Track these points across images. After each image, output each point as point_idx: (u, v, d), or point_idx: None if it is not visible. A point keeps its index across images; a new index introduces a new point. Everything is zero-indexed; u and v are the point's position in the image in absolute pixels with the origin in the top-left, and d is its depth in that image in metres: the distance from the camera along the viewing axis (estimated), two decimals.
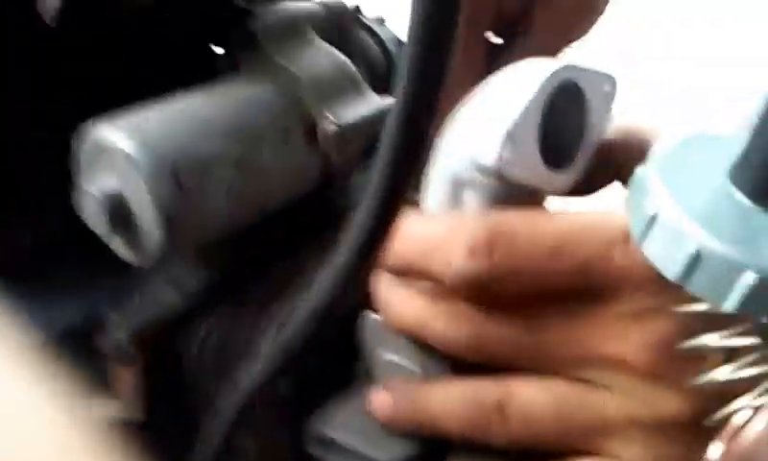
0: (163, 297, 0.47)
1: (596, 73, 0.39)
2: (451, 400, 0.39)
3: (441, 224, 0.39)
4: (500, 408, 0.38)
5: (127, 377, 0.44)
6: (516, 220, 0.37)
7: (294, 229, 0.49)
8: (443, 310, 0.39)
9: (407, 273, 0.40)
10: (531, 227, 0.37)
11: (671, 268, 0.29)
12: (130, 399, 0.44)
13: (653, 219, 0.29)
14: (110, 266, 0.46)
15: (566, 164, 0.39)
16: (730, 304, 0.28)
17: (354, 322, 0.44)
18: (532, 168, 0.37)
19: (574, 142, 0.40)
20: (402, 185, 0.32)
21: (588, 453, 0.38)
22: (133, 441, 0.46)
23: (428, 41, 0.28)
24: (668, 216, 0.29)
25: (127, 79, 0.48)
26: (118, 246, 0.42)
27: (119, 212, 0.40)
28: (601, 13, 0.53)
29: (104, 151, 0.40)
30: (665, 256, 0.29)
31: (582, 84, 0.38)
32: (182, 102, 0.44)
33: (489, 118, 0.36)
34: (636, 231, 0.30)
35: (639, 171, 0.31)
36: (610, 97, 0.40)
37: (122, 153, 0.40)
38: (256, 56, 0.47)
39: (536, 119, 0.37)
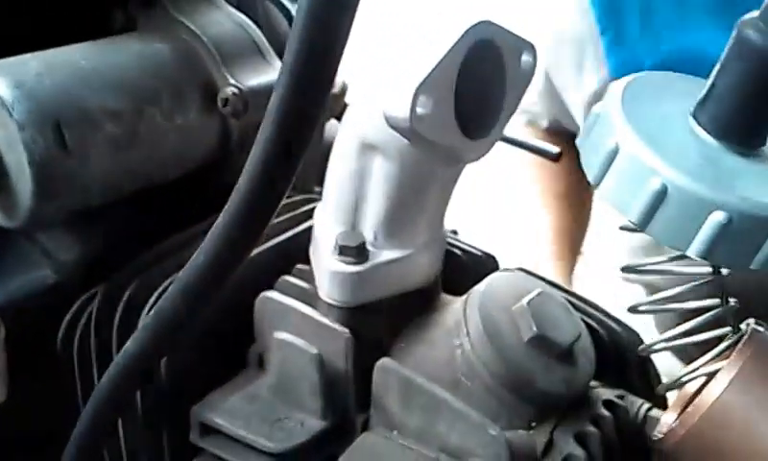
0: (35, 269, 0.42)
1: (517, 38, 0.36)
2: None
3: None
4: None
5: None
6: None
7: (188, 205, 0.45)
8: None
9: None
10: None
11: (632, 207, 0.26)
12: None
13: (613, 152, 0.26)
14: None
15: (482, 134, 0.37)
16: (696, 248, 0.25)
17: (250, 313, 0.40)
18: (446, 129, 0.35)
19: (490, 112, 0.37)
20: (279, 172, 0.30)
21: None
22: None
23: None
24: (631, 149, 0.26)
25: (19, 36, 0.43)
26: None
27: None
28: None
29: None
30: (625, 195, 0.26)
31: (500, 44, 0.36)
32: (69, 52, 0.40)
33: (402, 72, 0.34)
34: (592, 170, 0.27)
35: (597, 107, 0.28)
36: (529, 67, 0.37)
37: None
38: (155, 13, 0.44)
39: (452, 75, 0.34)
